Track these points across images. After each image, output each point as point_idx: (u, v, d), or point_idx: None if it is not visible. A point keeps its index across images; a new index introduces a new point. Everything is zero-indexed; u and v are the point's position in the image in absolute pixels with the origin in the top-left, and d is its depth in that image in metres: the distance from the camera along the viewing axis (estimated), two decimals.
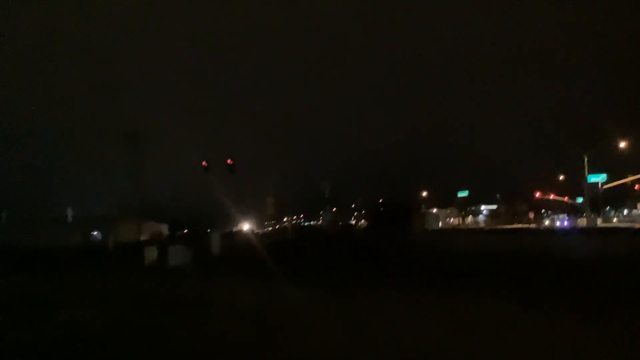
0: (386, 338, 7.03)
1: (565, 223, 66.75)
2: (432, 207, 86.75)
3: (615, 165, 60.71)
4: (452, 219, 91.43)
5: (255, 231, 75.00)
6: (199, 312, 9.62)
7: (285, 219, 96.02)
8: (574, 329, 7.11)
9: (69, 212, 39.09)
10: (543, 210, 79.79)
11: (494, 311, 8.46)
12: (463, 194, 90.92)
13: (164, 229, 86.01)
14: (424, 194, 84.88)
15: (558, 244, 25.39)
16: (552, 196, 75.34)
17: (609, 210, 73.78)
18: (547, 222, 70.65)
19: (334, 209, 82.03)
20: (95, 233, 60.69)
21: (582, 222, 58.78)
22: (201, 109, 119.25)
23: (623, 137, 52.19)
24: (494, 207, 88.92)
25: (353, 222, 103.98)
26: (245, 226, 74.73)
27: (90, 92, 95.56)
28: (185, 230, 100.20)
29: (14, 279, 17.06)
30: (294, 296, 11.19)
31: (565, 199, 73.49)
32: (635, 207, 72.46)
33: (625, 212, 74.73)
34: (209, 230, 74.89)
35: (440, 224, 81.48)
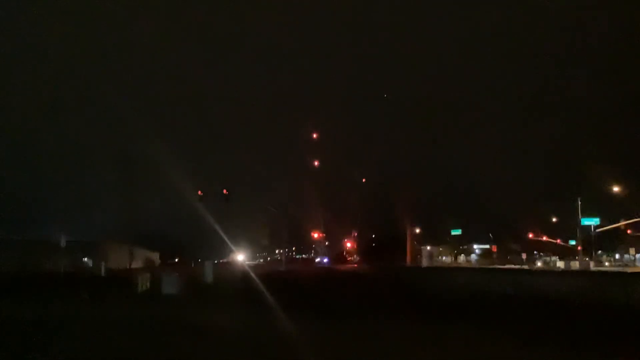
0: None
1: (325, 260, 71.53)
2: (426, 244, 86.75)
3: (609, 209, 61.06)
4: (444, 257, 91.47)
5: (247, 262, 74.66)
6: (193, 340, 9.68)
7: (277, 251, 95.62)
8: None
9: (62, 238, 38.86)
10: (535, 252, 79.77)
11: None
12: (456, 232, 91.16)
13: (156, 257, 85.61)
14: (417, 230, 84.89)
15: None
16: (544, 237, 75.53)
17: (601, 253, 73.82)
18: (539, 264, 70.45)
19: (327, 243, 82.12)
20: (85, 259, 60.12)
21: (575, 264, 58.76)
22: (197, 138, 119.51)
23: (617, 181, 52.36)
24: (487, 246, 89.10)
25: (346, 256, 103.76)
26: (239, 256, 74.47)
27: (84, 117, 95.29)
28: (177, 259, 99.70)
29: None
30: (283, 324, 11.32)
31: (558, 241, 73.69)
32: (628, 252, 72.44)
33: (617, 256, 74.73)
34: (199, 260, 74.59)
35: (433, 261, 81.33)
